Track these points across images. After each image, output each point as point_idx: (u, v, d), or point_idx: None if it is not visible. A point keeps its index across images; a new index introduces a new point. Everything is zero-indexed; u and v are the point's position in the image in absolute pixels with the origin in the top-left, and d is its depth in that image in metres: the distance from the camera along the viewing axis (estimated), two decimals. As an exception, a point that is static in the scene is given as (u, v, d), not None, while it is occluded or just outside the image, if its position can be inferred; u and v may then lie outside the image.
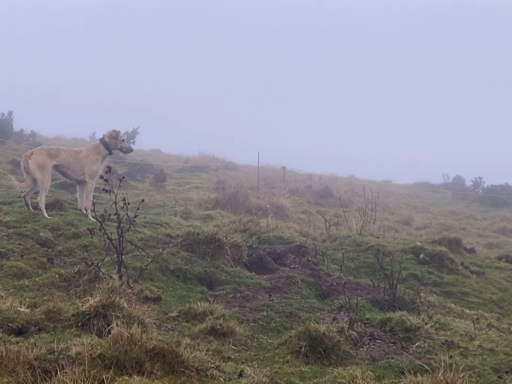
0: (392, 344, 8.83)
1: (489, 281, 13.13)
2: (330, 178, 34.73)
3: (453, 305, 10.98)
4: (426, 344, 8.85)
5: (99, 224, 9.54)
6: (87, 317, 7.84)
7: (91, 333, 7.56)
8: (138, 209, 9.58)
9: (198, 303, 9.24)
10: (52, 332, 7.55)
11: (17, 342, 6.96)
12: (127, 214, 9.49)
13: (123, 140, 13.24)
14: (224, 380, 6.87)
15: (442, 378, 6.66)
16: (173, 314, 8.86)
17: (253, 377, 6.85)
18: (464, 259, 14.16)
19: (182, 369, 6.82)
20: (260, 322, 9.14)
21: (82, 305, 8.05)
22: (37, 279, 9.38)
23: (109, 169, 9.93)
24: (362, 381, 6.89)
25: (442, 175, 42.34)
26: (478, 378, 7.39)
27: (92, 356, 6.64)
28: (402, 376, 7.47)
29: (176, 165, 32.36)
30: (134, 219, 9.69)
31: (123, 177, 9.94)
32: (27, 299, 8.46)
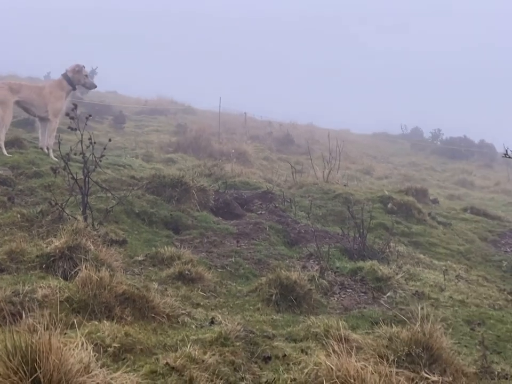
0: (363, 294, 8.76)
1: (455, 233, 13.11)
2: (290, 126, 34.57)
3: (421, 255, 10.93)
4: (397, 295, 8.80)
5: (63, 164, 9.28)
6: (51, 258, 7.67)
7: (56, 276, 7.39)
8: (105, 149, 9.31)
9: (165, 247, 9.09)
10: (15, 273, 7.36)
11: (-21, 284, 6.74)
12: (93, 154, 9.24)
13: (86, 75, 12.94)
14: (196, 327, 6.73)
15: (419, 329, 6.54)
16: (139, 258, 8.70)
17: (226, 324, 6.70)
18: (431, 209, 14.11)
19: (153, 315, 6.68)
20: (228, 268, 9.02)
21: (47, 247, 7.86)
22: (-2, 219, 9.15)
23: (75, 107, 9.65)
24: (337, 331, 6.78)
25: (401, 126, 42.43)
26: (452, 329, 7.30)
27: (60, 299, 6.45)
28: (376, 326, 7.39)
29: (135, 107, 32.03)
30: (100, 159, 9.44)
31: (90, 115, 9.65)
32: (-12, 239, 8.24)
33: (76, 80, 12.61)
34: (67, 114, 9.61)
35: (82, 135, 9.10)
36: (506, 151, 5.89)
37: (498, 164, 32.52)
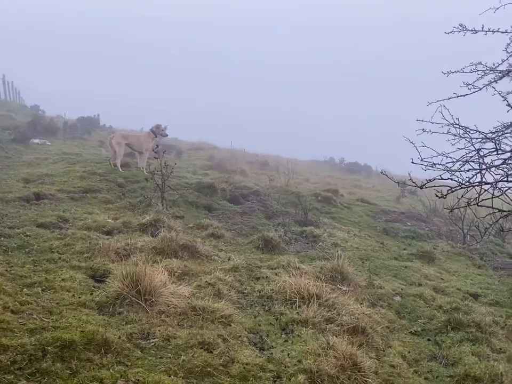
0: (307, 244, 8.66)
1: (353, 212, 13.03)
2: (267, 156, 34.48)
3: (336, 224, 10.84)
4: (324, 244, 8.71)
5: (151, 176, 9.18)
6: (145, 226, 7.54)
7: (148, 235, 7.26)
8: (173, 168, 9.22)
9: (204, 219, 8.97)
10: (126, 233, 7.24)
11: (107, 239, 6.64)
12: (166, 170, 9.14)
13: (162, 130, 12.71)
14: (221, 261, 6.63)
15: (336, 262, 6.49)
16: (191, 225, 8.56)
17: (236, 260, 6.62)
18: (340, 200, 14.02)
19: (198, 255, 6.59)
20: (237, 230, 8.91)
21: (142, 219, 7.74)
22: (117, 204, 9.05)
23: (157, 146, 9.57)
24: (294, 263, 6.71)
25: (323, 156, 42.09)
26: (352, 263, 7.22)
27: (149, 247, 6.36)
28: (314, 261, 7.33)
29: (187, 146, 31.74)
30: (170, 173, 9.34)
31: (164, 151, 9.57)
32: (111, 215, 8.13)
33: (157, 133, 12.52)
34: (153, 150, 9.53)
35: (161, 161, 9.01)
36: (382, 171, 5.78)
37: (374, 176, 32.49)
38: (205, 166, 20.12)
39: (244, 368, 3.80)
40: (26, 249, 5.84)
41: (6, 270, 4.93)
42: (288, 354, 4.10)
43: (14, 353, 3.30)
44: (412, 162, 5.14)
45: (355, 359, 4.07)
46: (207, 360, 3.79)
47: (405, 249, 9.73)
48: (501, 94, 5.61)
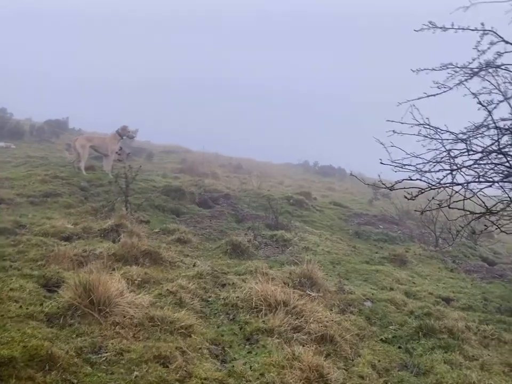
0: (277, 248, 8.45)
1: (325, 215, 12.87)
2: (240, 159, 34.27)
3: (308, 227, 10.66)
4: (295, 248, 8.51)
5: (115, 179, 8.85)
6: (106, 231, 7.25)
7: (108, 240, 6.96)
8: (138, 171, 8.88)
9: (171, 224, 8.71)
10: (86, 239, 6.92)
11: (64, 245, 6.33)
12: (131, 174, 8.83)
13: (129, 131, 12.33)
14: (185, 267, 6.36)
15: (305, 268, 6.30)
16: (156, 230, 8.29)
17: (201, 266, 6.37)
18: (313, 203, 13.85)
19: (161, 262, 6.31)
20: (205, 235, 8.65)
21: (104, 224, 7.44)
22: (78, 209, 8.70)
23: (120, 148, 9.26)
24: (262, 269, 6.50)
25: (298, 159, 42.04)
26: (323, 267, 7.03)
27: (108, 254, 6.07)
28: (283, 266, 7.13)
29: (159, 149, 31.32)
30: (135, 176, 9.02)
31: (129, 153, 9.25)
32: (72, 220, 7.79)
33: (123, 134, 12.15)
34: (117, 153, 9.22)
35: (125, 163, 8.70)
36: (351, 172, 5.61)
37: (348, 179, 32.51)
38: (176, 169, 19.78)
39: (202, 383, 3.55)
40: (-24, 257, 5.50)
41: (-51, 280, 4.60)
42: (251, 367, 3.87)
43: None
44: (381, 163, 4.98)
45: (321, 371, 3.87)
46: (162, 376, 3.53)
47: (376, 252, 9.60)
48: (473, 93, 5.49)
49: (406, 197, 5.19)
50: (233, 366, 3.89)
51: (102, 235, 7.13)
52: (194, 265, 6.49)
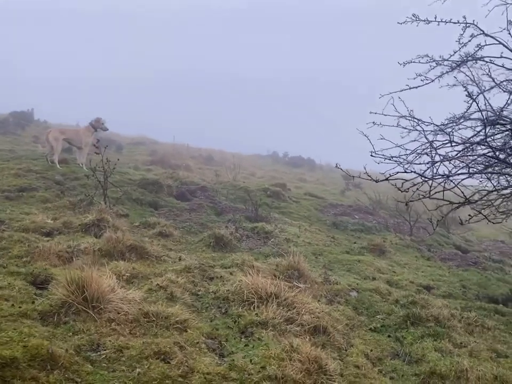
0: (259, 240, 8.48)
1: (302, 206, 12.97)
2: (211, 150, 34.11)
3: (287, 219, 10.74)
4: (276, 240, 8.55)
5: (92, 172, 8.70)
6: (87, 226, 7.13)
7: (90, 235, 6.87)
8: (115, 164, 8.74)
9: (151, 217, 8.65)
10: (67, 234, 6.81)
11: (47, 241, 6.21)
12: (108, 167, 8.69)
13: (103, 123, 12.10)
14: (172, 262, 6.33)
15: (292, 259, 6.34)
16: (137, 224, 8.22)
17: (188, 260, 6.35)
18: (289, 194, 13.93)
19: (147, 256, 6.25)
20: (186, 228, 8.60)
21: (85, 219, 7.32)
22: (56, 203, 8.53)
23: (98, 141, 9.11)
24: (248, 261, 6.52)
25: (266, 149, 42.04)
26: (306, 258, 7.07)
27: (94, 249, 5.99)
28: (268, 258, 7.17)
29: (128, 141, 30.88)
30: (113, 169, 8.88)
31: (106, 146, 9.08)
32: (51, 215, 7.64)
33: (97, 126, 11.92)
34: (94, 145, 9.05)
35: (102, 156, 8.57)
36: (337, 164, 5.62)
37: (317, 169, 32.80)
38: (147, 161, 19.58)
39: (205, 378, 3.55)
40: (-43, 255, 5.35)
41: None
42: (251, 360, 3.88)
43: None
44: (371, 156, 5.04)
45: (320, 362, 3.91)
46: (164, 372, 3.51)
47: (355, 242, 9.73)
48: (462, 84, 5.59)
49: (399, 189, 5.27)
50: (233, 359, 3.89)
51: (83, 230, 7.02)
52: (180, 259, 6.46)
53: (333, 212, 12.92)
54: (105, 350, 3.71)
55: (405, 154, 6.25)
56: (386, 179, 4.98)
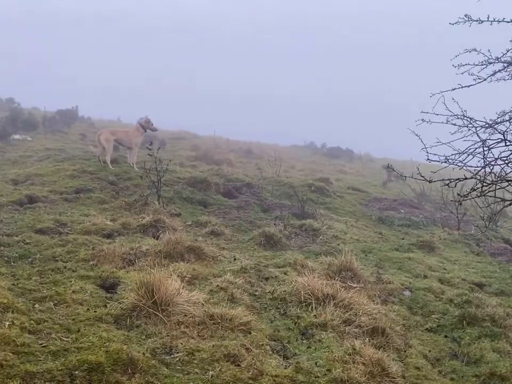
0: (307, 238, 8.59)
1: (346, 201, 13.01)
2: (250, 143, 34.30)
3: (332, 215, 10.80)
4: (324, 237, 8.65)
5: (146, 173, 8.97)
6: (145, 227, 7.41)
7: (149, 236, 7.13)
8: (168, 165, 9.00)
9: (201, 216, 8.88)
10: (127, 236, 7.08)
11: (109, 243, 6.47)
12: (162, 167, 8.95)
13: (152, 124, 12.38)
14: (227, 262, 6.51)
15: (344, 259, 6.40)
16: (189, 223, 8.45)
17: (243, 261, 6.52)
18: (333, 189, 13.96)
19: (204, 257, 6.45)
20: (236, 226, 8.80)
21: (142, 220, 7.61)
22: (112, 204, 8.85)
23: (150, 143, 9.37)
24: (300, 261, 6.65)
25: (303, 140, 41.91)
26: (356, 256, 7.13)
27: (155, 251, 6.22)
28: (319, 256, 7.27)
29: (170, 136, 31.34)
30: (166, 170, 9.14)
31: (159, 147, 9.38)
32: (109, 216, 7.95)
33: (146, 127, 12.21)
34: (147, 147, 9.31)
35: (156, 157, 8.83)
36: (388, 165, 5.67)
37: (356, 160, 32.56)
38: (191, 157, 19.87)
39: (274, 380, 3.71)
40: (29, 259, 5.65)
41: (13, 284, 4.74)
42: (316, 363, 4.02)
43: (42, 381, 3.15)
44: (427, 160, 5.07)
45: (382, 364, 4.01)
46: (236, 375, 3.68)
47: (403, 238, 9.73)
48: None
49: (448, 185, 5.29)
50: (298, 362, 4.03)
51: (142, 231, 7.28)
52: (234, 259, 6.64)
53: (378, 207, 12.91)
54: (178, 352, 3.91)
55: (457, 153, 6.24)
56: (446, 182, 5.00)
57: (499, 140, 6.21)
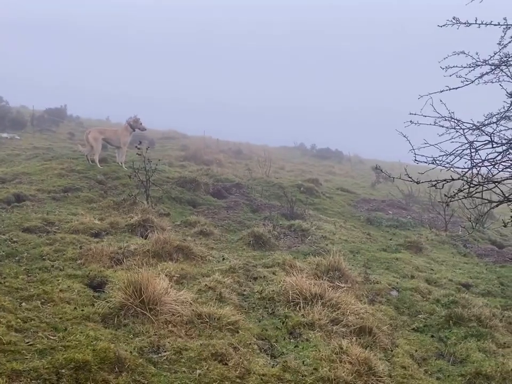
0: (296, 238, 8.61)
1: (335, 202, 13.05)
2: (240, 143, 34.26)
3: (321, 215, 10.83)
4: (313, 238, 8.67)
5: (135, 173, 8.95)
6: (133, 226, 7.38)
7: (137, 235, 7.11)
8: (157, 164, 8.98)
9: (190, 216, 8.86)
10: (115, 235, 7.05)
11: (97, 242, 6.44)
12: (150, 167, 8.93)
13: (141, 123, 12.32)
14: (216, 261, 6.52)
15: (332, 259, 6.42)
16: (178, 223, 8.42)
17: (232, 260, 6.53)
18: (322, 190, 13.99)
19: (193, 257, 6.45)
20: (225, 227, 8.79)
21: (130, 219, 7.58)
22: (100, 203, 8.80)
23: (140, 143, 9.33)
24: (288, 261, 6.66)
25: (293, 142, 41.90)
26: (344, 256, 7.15)
27: (143, 251, 6.20)
28: (307, 256, 7.29)
29: (159, 136, 31.22)
30: (155, 169, 9.12)
31: (148, 147, 9.35)
32: (97, 215, 7.91)
33: (135, 126, 12.15)
34: (136, 147, 9.27)
35: (144, 157, 8.81)
36: (376, 166, 5.72)
37: (345, 161, 32.60)
38: (180, 157, 19.82)
39: (261, 379, 3.72)
40: (16, 257, 5.61)
41: (0, 283, 4.71)
42: (303, 362, 4.03)
43: (28, 379, 3.13)
44: (415, 161, 5.12)
45: (369, 364, 4.04)
46: (223, 373, 3.69)
47: (391, 239, 9.78)
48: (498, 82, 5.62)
49: (435, 186, 5.35)
50: (285, 361, 4.04)
51: (130, 230, 7.26)
52: (223, 259, 6.64)
53: (366, 208, 12.96)
54: (165, 351, 3.91)
55: (445, 155, 6.30)
56: (433, 183, 5.05)
57: (486, 142, 6.29)
